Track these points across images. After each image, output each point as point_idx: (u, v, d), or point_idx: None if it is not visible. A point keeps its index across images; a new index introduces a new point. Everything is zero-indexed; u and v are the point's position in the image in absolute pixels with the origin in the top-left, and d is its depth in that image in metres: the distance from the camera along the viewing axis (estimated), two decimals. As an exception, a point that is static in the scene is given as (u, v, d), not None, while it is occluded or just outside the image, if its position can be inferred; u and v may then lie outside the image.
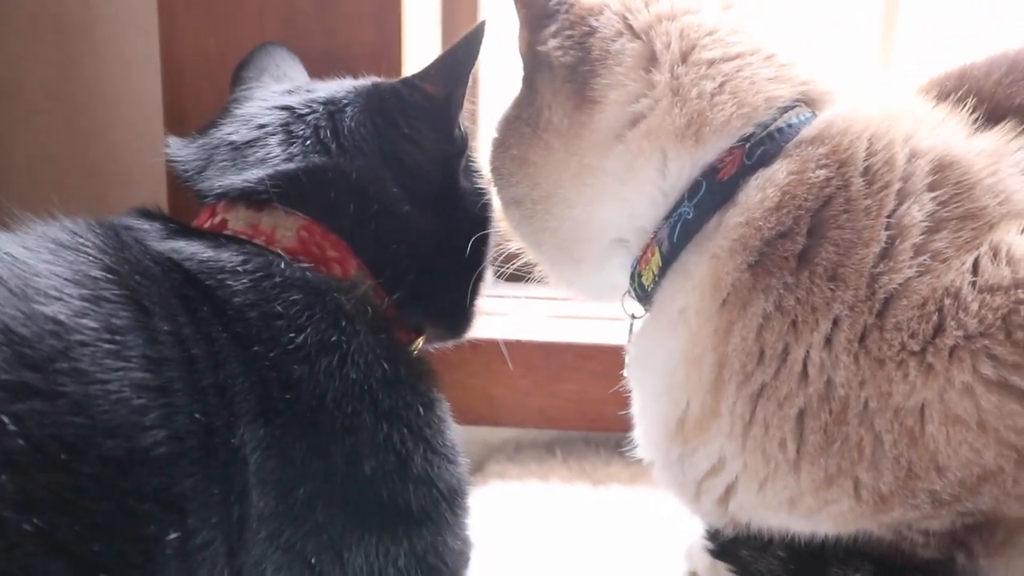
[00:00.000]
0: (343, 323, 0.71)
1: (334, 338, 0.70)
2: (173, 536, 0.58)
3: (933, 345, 0.62)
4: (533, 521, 0.99)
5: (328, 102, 0.80)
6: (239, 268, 0.70)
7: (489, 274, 0.94)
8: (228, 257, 0.71)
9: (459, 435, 0.81)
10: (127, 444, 0.57)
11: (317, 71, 0.92)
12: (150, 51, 1.09)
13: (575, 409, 1.06)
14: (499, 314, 1.13)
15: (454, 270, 0.82)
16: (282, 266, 0.71)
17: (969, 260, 0.63)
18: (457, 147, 0.83)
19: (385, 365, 0.72)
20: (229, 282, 0.69)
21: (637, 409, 0.81)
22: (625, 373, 0.81)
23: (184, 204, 0.81)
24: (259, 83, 0.87)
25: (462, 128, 0.84)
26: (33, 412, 0.54)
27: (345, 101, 0.80)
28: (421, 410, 0.74)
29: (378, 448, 0.70)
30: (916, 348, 0.63)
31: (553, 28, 0.79)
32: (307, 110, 0.79)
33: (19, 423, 0.53)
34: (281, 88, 0.85)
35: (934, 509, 0.67)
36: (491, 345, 1.04)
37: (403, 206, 0.78)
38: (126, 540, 0.56)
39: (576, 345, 1.05)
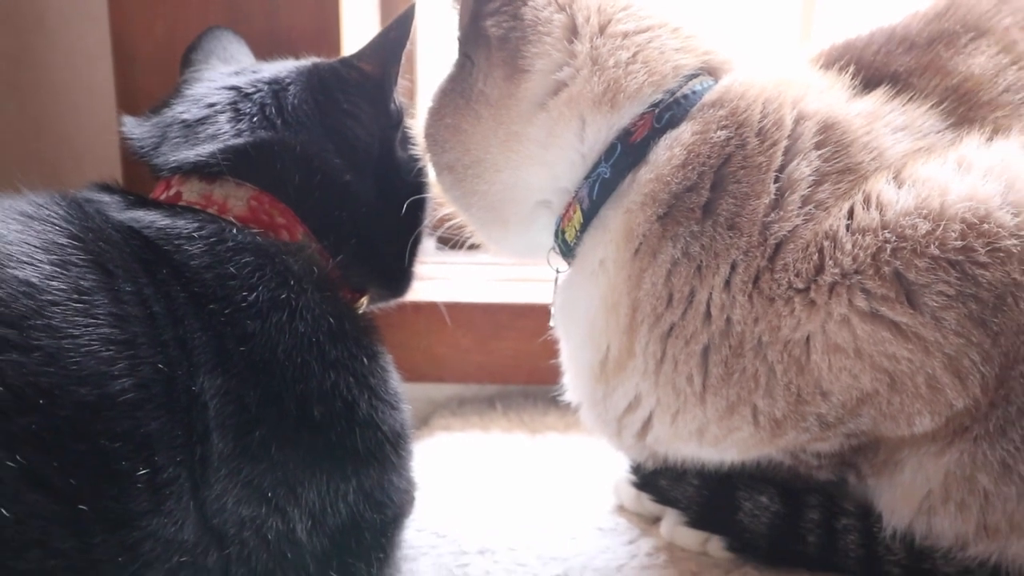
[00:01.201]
0: (291, 282, 0.76)
1: (283, 296, 0.75)
2: (142, 472, 0.63)
3: (815, 283, 0.70)
4: (476, 468, 1.05)
5: (272, 81, 0.86)
6: (194, 234, 0.75)
7: (429, 240, 1.00)
8: (184, 224, 0.76)
9: (406, 391, 0.87)
10: (97, 391, 0.62)
11: (261, 52, 0.98)
12: (101, 39, 1.12)
13: (512, 364, 1.12)
14: (440, 278, 1.19)
15: (393, 233, 0.89)
16: (234, 231, 0.77)
17: (846, 207, 0.71)
18: (393, 120, 0.89)
19: (331, 320, 0.77)
20: (186, 247, 0.74)
21: (565, 356, 0.88)
22: (552, 324, 0.89)
23: (139, 185, 0.86)
24: (207, 65, 0.92)
25: (397, 103, 0.90)
26: (11, 363, 0.59)
27: (288, 80, 0.86)
28: (365, 360, 0.79)
29: (326, 395, 0.76)
30: (801, 286, 0.71)
31: (491, 5, 0.83)
32: (253, 89, 0.85)
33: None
34: (228, 69, 0.90)
35: (822, 431, 0.75)
36: (433, 307, 1.10)
37: (344, 175, 0.85)
38: (100, 476, 0.61)
39: (511, 305, 1.11)
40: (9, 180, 0.77)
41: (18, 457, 0.58)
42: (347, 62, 0.87)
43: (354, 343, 0.79)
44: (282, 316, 0.75)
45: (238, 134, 0.82)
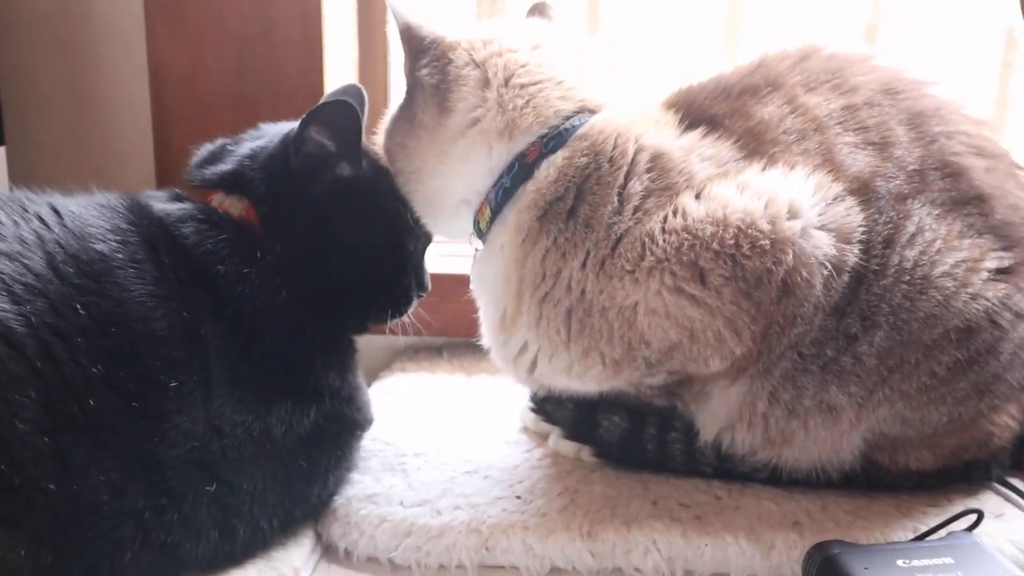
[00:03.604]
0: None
1: (246, 270, 0.99)
2: (173, 384, 0.90)
3: (639, 266, 0.99)
4: (423, 400, 1.34)
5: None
6: (190, 220, 1.00)
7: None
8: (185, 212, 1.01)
9: (373, 342, 1.12)
10: (146, 327, 0.90)
11: (261, 73, 1.26)
12: (140, 65, 1.37)
13: (455, 322, 1.33)
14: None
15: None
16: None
17: (662, 214, 0.99)
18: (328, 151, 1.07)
19: (283, 294, 1.01)
20: (184, 229, 0.99)
21: (481, 313, 1.16)
22: (471, 289, 1.17)
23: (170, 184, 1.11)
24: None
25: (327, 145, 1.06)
26: (94, 303, 0.88)
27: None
28: (317, 326, 1.04)
29: (283, 348, 1.00)
30: (630, 268, 0.99)
31: (425, 60, 1.09)
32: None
33: (86, 309, 0.87)
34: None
35: (648, 369, 1.04)
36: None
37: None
38: (147, 383, 0.89)
39: (455, 275, 1.30)
40: (65, 179, 1.04)
41: (99, 365, 0.86)
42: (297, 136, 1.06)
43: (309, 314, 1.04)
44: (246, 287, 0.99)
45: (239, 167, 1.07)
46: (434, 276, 1.22)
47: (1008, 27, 1.69)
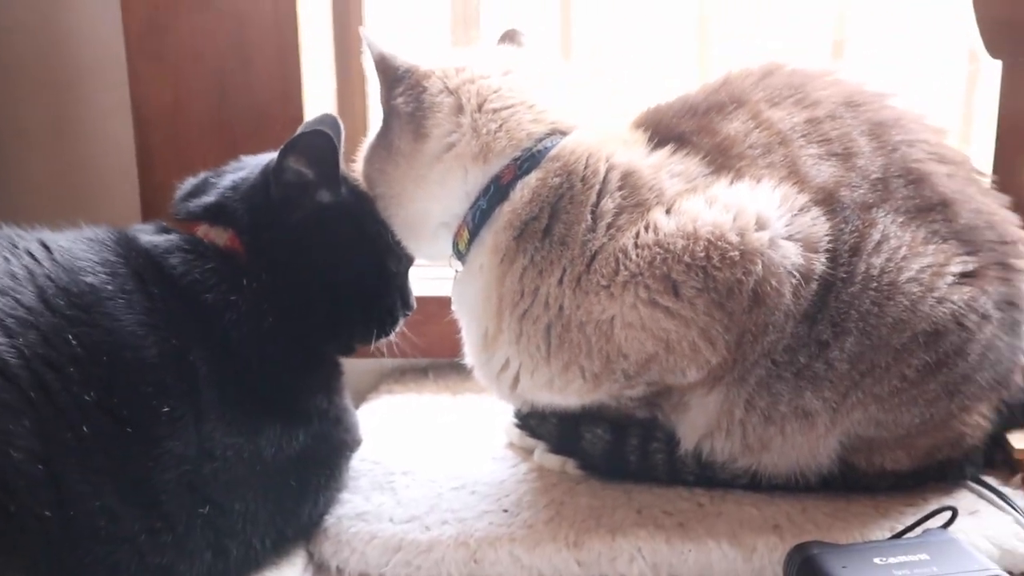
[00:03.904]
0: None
1: (232, 298, 1.02)
2: (165, 409, 0.92)
3: (614, 281, 1.02)
4: (410, 420, 1.37)
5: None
6: (177, 251, 1.03)
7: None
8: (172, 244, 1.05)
9: (360, 365, 1.15)
10: (137, 354, 0.93)
11: (241, 107, 1.30)
12: (123, 101, 1.40)
13: (440, 343, 1.31)
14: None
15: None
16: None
17: (635, 230, 1.02)
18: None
19: (270, 319, 1.03)
20: (171, 260, 1.02)
21: (463, 332, 1.19)
22: (453, 309, 1.20)
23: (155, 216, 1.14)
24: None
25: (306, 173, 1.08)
26: (83, 333, 0.91)
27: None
28: (302, 353, 1.07)
29: (269, 373, 1.03)
30: (605, 283, 1.02)
31: (400, 88, 1.12)
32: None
33: (78, 339, 0.90)
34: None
35: (627, 381, 1.07)
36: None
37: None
38: (139, 409, 0.91)
39: (439, 297, 1.28)
40: (50, 213, 1.06)
41: (92, 393, 0.89)
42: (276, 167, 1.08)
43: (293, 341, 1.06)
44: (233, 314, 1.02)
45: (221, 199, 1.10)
46: (418, 298, 1.24)
47: (971, 42, 1.74)
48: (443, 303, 1.28)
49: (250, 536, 0.99)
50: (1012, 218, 1.13)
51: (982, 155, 1.46)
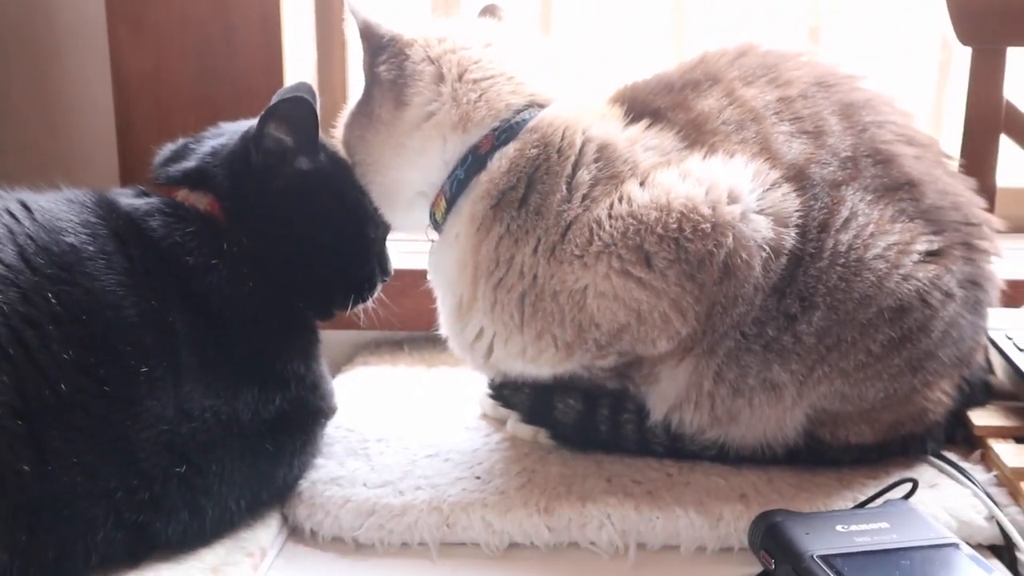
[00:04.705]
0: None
1: (213, 261, 1.03)
2: (143, 369, 0.93)
3: (587, 251, 1.04)
4: (385, 390, 1.38)
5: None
6: (156, 213, 1.04)
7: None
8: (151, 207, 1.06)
9: (337, 336, 1.16)
10: (116, 314, 0.94)
11: (224, 76, 1.31)
12: (103, 67, 1.41)
13: (415, 316, 1.32)
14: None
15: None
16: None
17: (609, 201, 1.04)
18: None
19: (251, 283, 1.05)
20: (152, 223, 1.03)
21: (438, 302, 1.21)
22: (428, 279, 1.22)
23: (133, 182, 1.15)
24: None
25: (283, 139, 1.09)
26: (63, 292, 0.92)
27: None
28: (279, 317, 1.08)
29: (249, 336, 1.04)
30: (579, 253, 1.04)
31: (384, 56, 1.13)
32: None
33: (57, 298, 0.91)
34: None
35: (599, 351, 1.09)
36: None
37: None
38: (118, 369, 0.93)
39: (415, 270, 1.28)
40: (30, 177, 1.07)
41: (71, 351, 0.90)
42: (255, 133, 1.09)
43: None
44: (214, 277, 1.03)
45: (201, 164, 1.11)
46: (396, 271, 1.25)
47: (943, 31, 1.77)
48: (418, 275, 1.29)
49: (225, 497, 1.00)
50: (978, 200, 1.16)
51: (953, 140, 1.49)
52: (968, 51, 1.46)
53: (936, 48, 1.84)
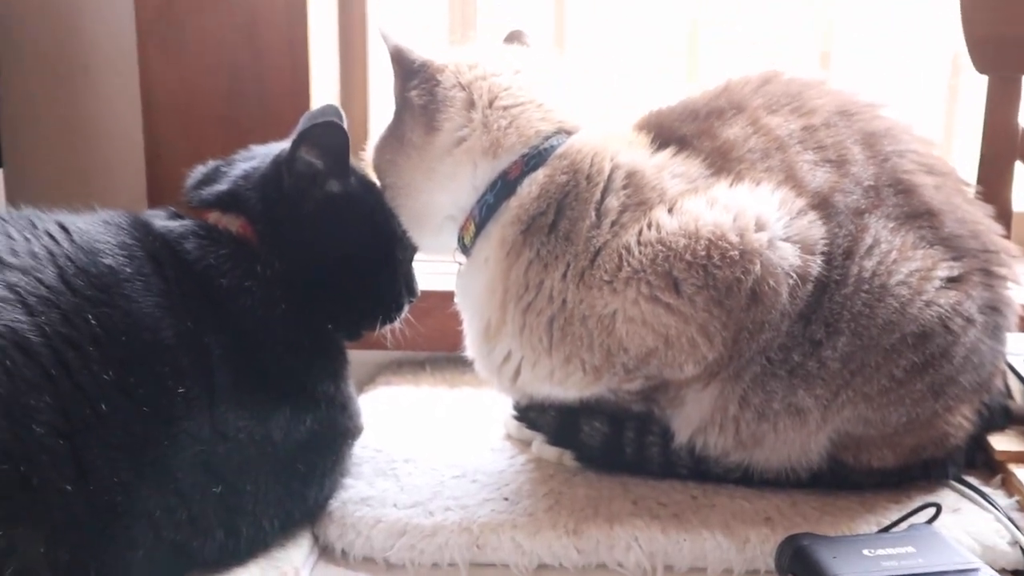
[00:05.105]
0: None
1: (247, 283, 1.05)
2: (180, 390, 0.95)
3: (617, 277, 1.05)
4: (408, 411, 1.39)
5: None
6: (191, 236, 1.06)
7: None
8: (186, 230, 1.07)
9: (359, 356, 1.17)
10: (154, 335, 0.95)
11: (251, 99, 1.32)
12: (132, 86, 1.43)
13: (439, 337, 1.34)
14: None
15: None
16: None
17: (638, 228, 1.05)
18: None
19: (283, 305, 1.06)
20: (186, 245, 1.04)
21: (465, 325, 1.22)
22: (456, 302, 1.23)
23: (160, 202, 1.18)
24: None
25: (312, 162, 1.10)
26: (103, 313, 0.93)
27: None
28: (310, 338, 1.09)
29: (280, 361, 1.05)
30: (608, 279, 1.05)
31: (415, 81, 1.15)
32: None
33: (97, 319, 0.92)
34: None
35: (626, 375, 1.10)
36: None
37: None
38: (156, 389, 0.94)
39: (438, 292, 1.31)
40: (60, 200, 1.08)
41: (111, 372, 0.91)
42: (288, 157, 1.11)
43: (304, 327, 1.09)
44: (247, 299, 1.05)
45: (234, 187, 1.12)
46: (420, 293, 1.26)
47: (953, 53, 1.80)
48: (441, 297, 1.31)
49: (260, 517, 1.02)
50: (996, 228, 1.18)
51: (964, 163, 1.51)
52: (978, 75, 1.47)
53: (946, 72, 1.86)
